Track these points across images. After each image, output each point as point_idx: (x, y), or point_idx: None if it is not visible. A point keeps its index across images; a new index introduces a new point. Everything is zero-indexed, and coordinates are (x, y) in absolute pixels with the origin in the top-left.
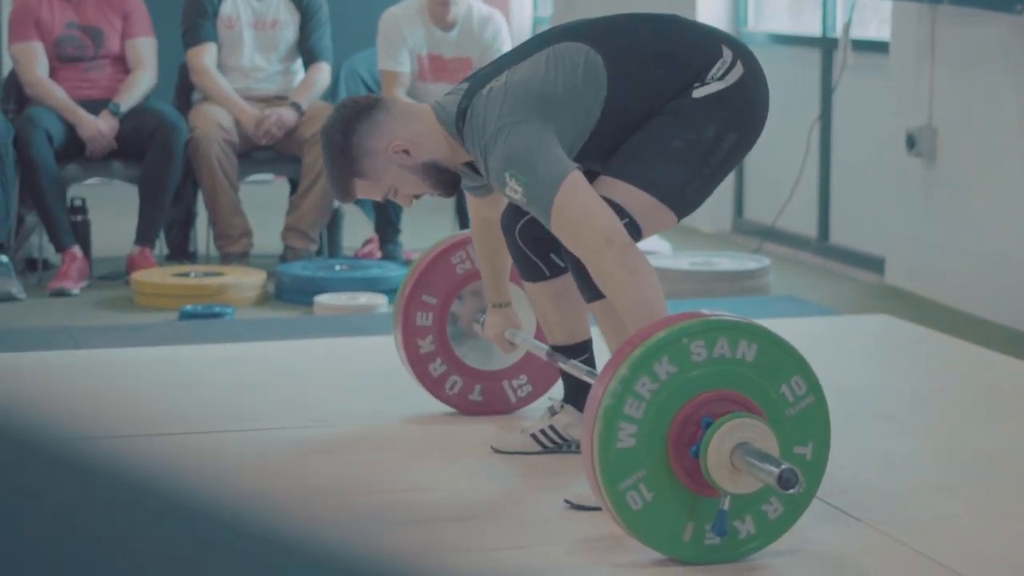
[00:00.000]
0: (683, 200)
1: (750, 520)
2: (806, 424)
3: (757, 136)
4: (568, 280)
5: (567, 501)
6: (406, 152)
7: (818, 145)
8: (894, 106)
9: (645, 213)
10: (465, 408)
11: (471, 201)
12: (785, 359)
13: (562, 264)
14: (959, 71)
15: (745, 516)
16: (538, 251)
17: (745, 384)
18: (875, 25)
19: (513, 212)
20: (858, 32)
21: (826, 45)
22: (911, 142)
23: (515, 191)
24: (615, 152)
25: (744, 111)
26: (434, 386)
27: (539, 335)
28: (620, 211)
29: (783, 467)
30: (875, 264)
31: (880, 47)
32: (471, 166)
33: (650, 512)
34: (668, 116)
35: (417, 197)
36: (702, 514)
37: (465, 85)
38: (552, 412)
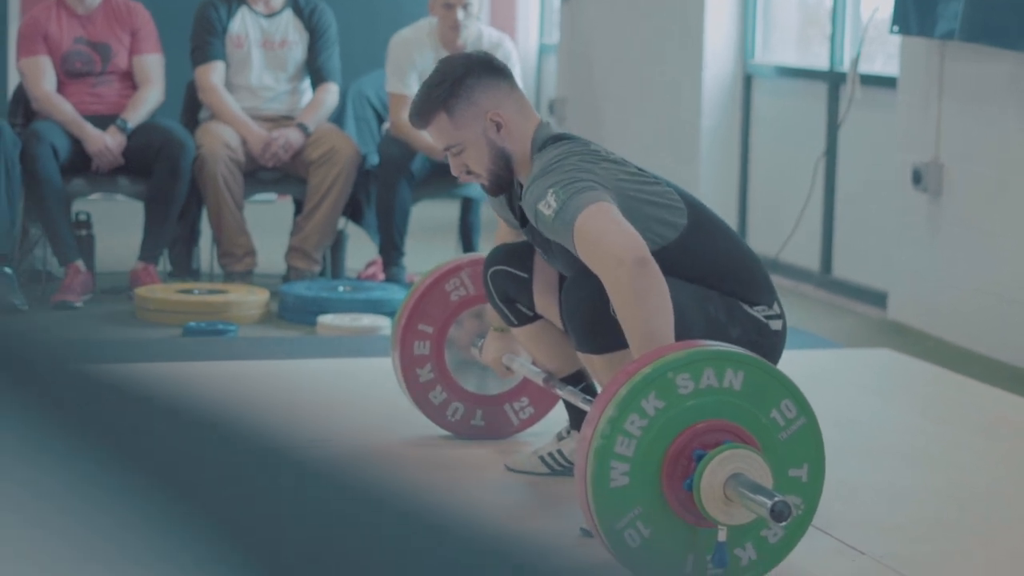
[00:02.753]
0: (684, 325)
1: (751, 547)
2: (799, 446)
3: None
4: (543, 322)
5: (582, 529)
6: (498, 126)
7: (823, 178)
8: (900, 141)
9: None
10: (468, 433)
11: (501, 229)
12: (773, 384)
13: (530, 314)
14: (967, 107)
15: (745, 543)
16: (504, 299)
17: (735, 412)
18: (882, 60)
19: (492, 255)
20: (865, 66)
21: (833, 79)
22: (917, 177)
23: (549, 207)
24: None
25: (764, 352)
26: (436, 414)
27: None
28: None
29: (775, 499)
30: (878, 299)
31: (887, 82)
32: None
33: (649, 548)
34: (715, 292)
35: (469, 173)
36: (702, 545)
37: (568, 133)
38: (560, 437)
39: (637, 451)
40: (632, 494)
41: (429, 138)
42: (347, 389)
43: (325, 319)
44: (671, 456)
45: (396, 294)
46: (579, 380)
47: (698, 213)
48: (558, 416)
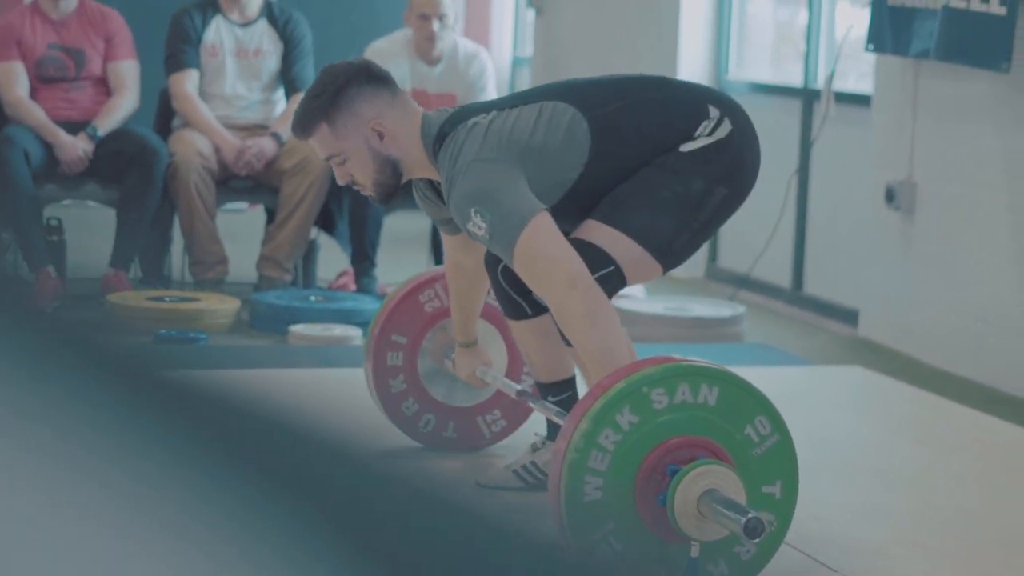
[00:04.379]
0: (670, 252)
1: (723, 563)
2: (773, 463)
3: (748, 190)
4: (551, 319)
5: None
6: (380, 136)
7: (796, 195)
8: (874, 159)
9: (631, 262)
10: (440, 445)
11: (446, 241)
12: (747, 400)
13: (544, 304)
14: (941, 126)
15: (718, 560)
16: (520, 290)
17: (709, 428)
18: (855, 77)
19: (492, 255)
20: (839, 84)
21: (807, 96)
22: (890, 195)
23: (479, 227)
24: (594, 207)
25: (733, 165)
26: (407, 425)
27: (510, 372)
28: (605, 258)
29: (749, 515)
30: (849, 316)
31: (862, 100)
32: (433, 188)
33: (621, 563)
34: (656, 168)
35: (353, 184)
36: (674, 562)
37: (451, 110)
38: (534, 448)
39: (611, 466)
40: (605, 509)
41: None
42: (318, 399)
43: (296, 329)
44: (645, 471)
45: (367, 305)
46: (566, 388)
47: (597, 122)
48: (531, 429)
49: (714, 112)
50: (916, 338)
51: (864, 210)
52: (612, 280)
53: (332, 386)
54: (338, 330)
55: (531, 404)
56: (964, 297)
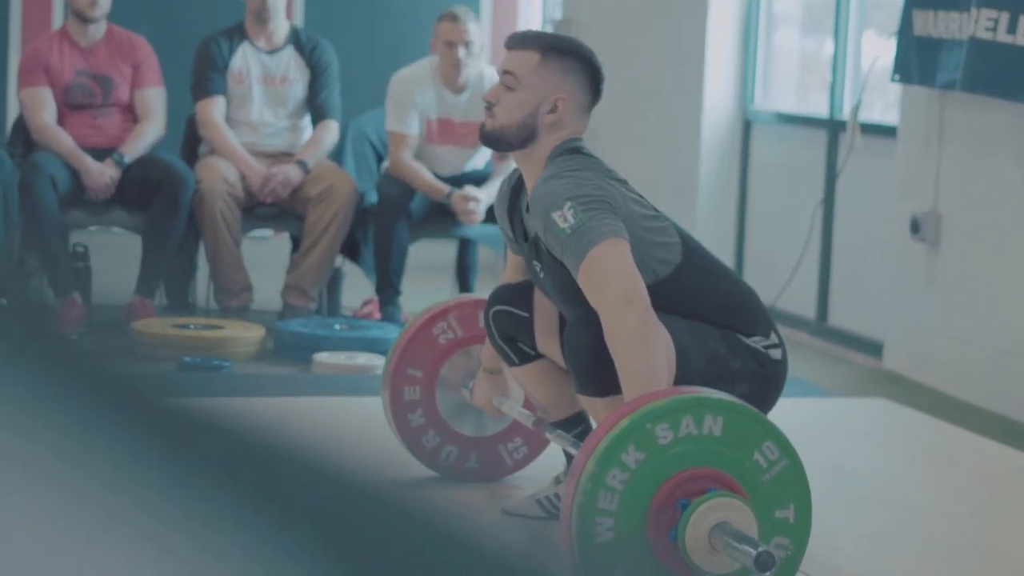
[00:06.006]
0: (687, 364)
1: None
2: (784, 487)
3: (766, 410)
4: (546, 361)
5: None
6: (551, 109)
7: (821, 226)
8: (899, 190)
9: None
10: (462, 476)
11: (509, 260)
12: (753, 427)
13: (532, 353)
14: (967, 157)
15: None
16: (506, 338)
17: (716, 459)
18: (880, 108)
19: (493, 296)
20: (864, 115)
21: (832, 127)
22: (915, 227)
23: (564, 220)
24: None
25: (767, 381)
26: (429, 458)
27: (528, 402)
28: None
29: (760, 549)
30: (874, 348)
31: (887, 131)
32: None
33: None
34: (713, 327)
35: (491, 108)
36: None
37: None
38: (557, 481)
39: (621, 505)
40: (618, 548)
41: (429, 176)
42: (341, 427)
43: (320, 357)
44: (655, 507)
45: (392, 333)
46: (578, 423)
47: (691, 249)
48: (551, 457)
49: (775, 337)
50: (941, 370)
51: (889, 241)
52: None
53: (356, 414)
54: (362, 358)
55: (547, 435)
56: (989, 329)
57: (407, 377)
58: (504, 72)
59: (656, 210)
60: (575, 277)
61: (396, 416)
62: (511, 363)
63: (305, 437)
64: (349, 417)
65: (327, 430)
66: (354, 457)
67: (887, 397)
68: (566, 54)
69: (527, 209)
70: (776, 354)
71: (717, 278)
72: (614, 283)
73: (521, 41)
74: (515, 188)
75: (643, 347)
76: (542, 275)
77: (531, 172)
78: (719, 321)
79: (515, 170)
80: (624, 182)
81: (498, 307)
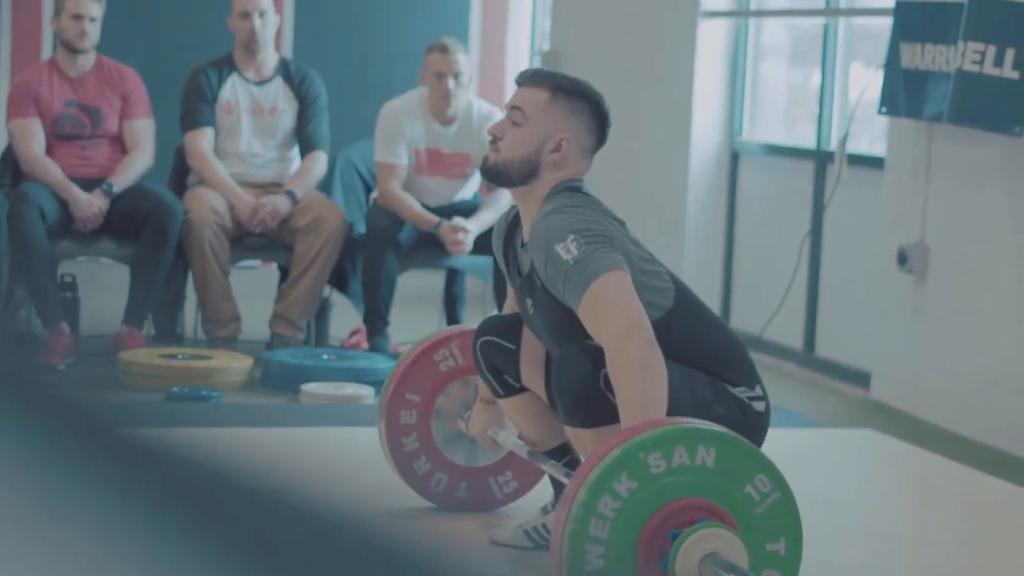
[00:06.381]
0: (674, 405)
1: None
2: (776, 520)
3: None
4: (531, 394)
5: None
6: (555, 148)
7: (808, 257)
8: (887, 221)
9: None
10: (451, 505)
11: (509, 293)
12: (745, 459)
13: (517, 385)
14: (954, 189)
15: None
16: (492, 370)
17: (708, 490)
18: (868, 140)
19: (482, 326)
20: (851, 146)
21: (820, 158)
22: (903, 258)
23: (567, 252)
24: None
25: (750, 431)
26: (419, 484)
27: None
28: None
29: None
30: (861, 379)
31: (874, 162)
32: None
33: None
34: (699, 373)
35: (495, 141)
36: None
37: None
38: (544, 511)
39: (611, 533)
40: None
41: (418, 207)
42: (329, 458)
43: (308, 387)
44: (646, 536)
45: (380, 363)
46: (564, 453)
47: (683, 295)
48: (542, 490)
49: (759, 390)
50: (928, 401)
51: (876, 272)
52: None
53: (343, 445)
54: (350, 389)
55: (542, 465)
56: (976, 360)
57: (404, 401)
58: (512, 108)
59: (651, 255)
60: (576, 309)
61: (390, 440)
62: (496, 394)
63: (289, 475)
64: (337, 448)
65: (315, 461)
66: (340, 491)
67: (875, 428)
68: (575, 95)
69: (522, 245)
70: (759, 406)
71: (707, 326)
72: (616, 315)
73: (532, 78)
74: (511, 225)
75: (645, 378)
76: (532, 312)
77: (529, 209)
78: (706, 368)
79: (512, 207)
80: (622, 223)
81: (486, 337)
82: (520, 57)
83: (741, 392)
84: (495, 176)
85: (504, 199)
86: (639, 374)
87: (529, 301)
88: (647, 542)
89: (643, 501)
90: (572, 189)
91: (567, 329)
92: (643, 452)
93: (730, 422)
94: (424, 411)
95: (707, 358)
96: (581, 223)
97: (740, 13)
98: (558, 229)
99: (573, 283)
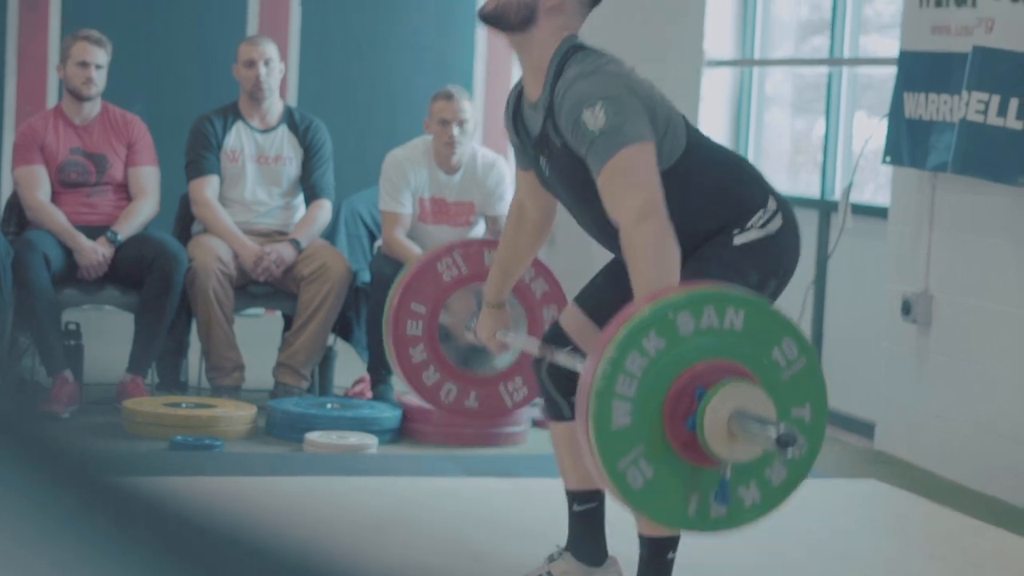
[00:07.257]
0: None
1: (754, 486)
2: (801, 386)
3: (792, 275)
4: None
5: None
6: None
7: (812, 306)
8: (891, 271)
9: None
10: (462, 414)
11: (518, 177)
12: (773, 324)
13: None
14: (958, 239)
15: (749, 482)
16: (562, 390)
17: (736, 352)
18: (872, 189)
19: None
20: (855, 196)
21: (824, 207)
22: (906, 308)
23: (595, 119)
24: None
25: (780, 259)
26: (430, 395)
27: (531, 331)
28: None
29: (781, 427)
30: (865, 429)
31: (878, 212)
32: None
33: (652, 488)
34: (712, 263)
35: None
36: (705, 486)
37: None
38: (551, 559)
39: (639, 391)
40: (634, 433)
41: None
42: (333, 507)
43: (312, 436)
44: (673, 395)
45: (384, 412)
46: (592, 499)
47: (692, 134)
48: (556, 519)
49: (771, 204)
50: (933, 451)
51: (880, 322)
52: None
53: (347, 495)
54: (354, 438)
55: (556, 357)
56: (980, 411)
57: (410, 311)
58: None
59: (670, 104)
60: (595, 178)
61: (398, 351)
62: (562, 416)
63: (290, 526)
64: (340, 497)
65: (319, 511)
66: (339, 542)
67: (878, 478)
68: None
69: (531, 106)
70: (775, 224)
71: (714, 163)
72: (634, 193)
73: None
74: (518, 95)
75: (656, 260)
76: (548, 172)
77: (528, 61)
78: (713, 216)
79: (517, 82)
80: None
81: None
82: None
83: (755, 224)
84: (494, 19)
85: None
86: (652, 257)
87: (544, 160)
88: (674, 401)
89: (671, 361)
90: (579, 47)
91: (584, 186)
92: (672, 312)
93: (768, 269)
94: (430, 322)
95: (719, 194)
96: (610, 89)
97: (744, 62)
98: (587, 95)
99: (596, 152)
